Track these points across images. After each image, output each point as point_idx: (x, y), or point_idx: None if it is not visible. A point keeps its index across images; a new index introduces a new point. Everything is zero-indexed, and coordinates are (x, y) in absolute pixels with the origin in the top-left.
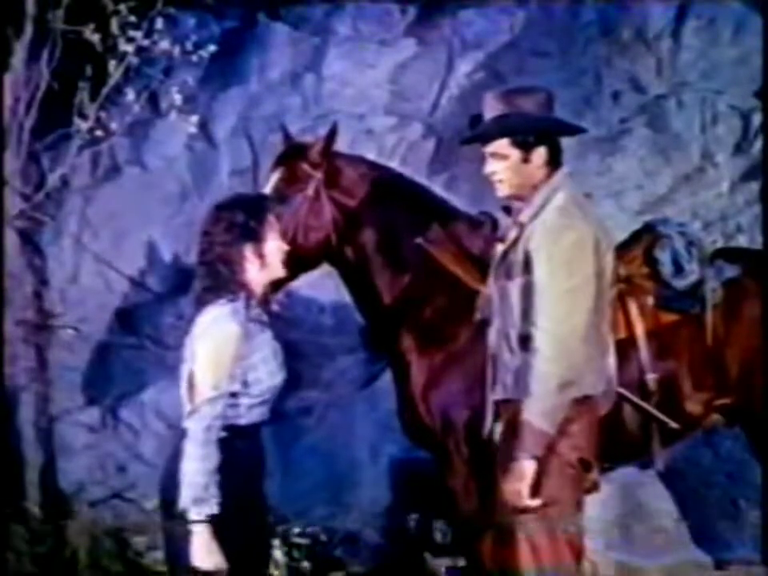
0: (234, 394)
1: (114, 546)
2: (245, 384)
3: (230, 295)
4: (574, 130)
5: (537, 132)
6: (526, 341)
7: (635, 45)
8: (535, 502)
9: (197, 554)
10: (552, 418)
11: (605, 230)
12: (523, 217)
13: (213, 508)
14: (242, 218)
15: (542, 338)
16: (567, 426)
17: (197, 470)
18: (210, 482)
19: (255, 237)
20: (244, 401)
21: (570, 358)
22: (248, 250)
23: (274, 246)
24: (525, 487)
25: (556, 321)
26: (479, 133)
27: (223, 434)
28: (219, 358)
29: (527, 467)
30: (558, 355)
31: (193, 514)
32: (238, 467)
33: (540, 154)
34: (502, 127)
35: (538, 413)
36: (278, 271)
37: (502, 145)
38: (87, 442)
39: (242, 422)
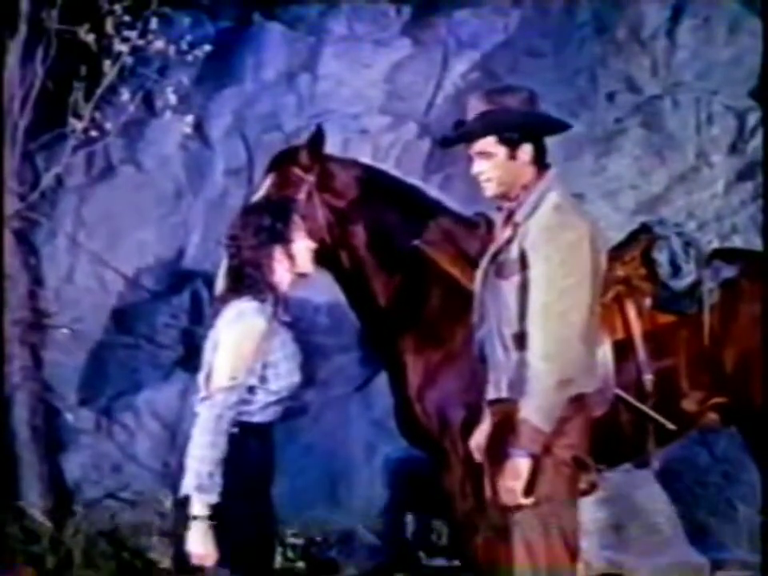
0: (250, 389)
1: (109, 546)
2: (262, 379)
3: (259, 296)
4: (560, 126)
5: (522, 127)
6: (522, 339)
7: (630, 44)
8: (529, 501)
9: (192, 540)
10: (549, 416)
11: (598, 229)
12: (518, 217)
13: (216, 497)
14: (269, 221)
15: (539, 337)
16: (561, 424)
17: (203, 458)
18: (215, 471)
19: (283, 238)
20: (260, 397)
21: (568, 356)
22: (277, 252)
23: (302, 246)
24: (520, 485)
25: (554, 319)
26: (465, 131)
27: (235, 430)
28: (240, 350)
29: (522, 465)
30: (556, 353)
31: (195, 502)
32: (249, 465)
33: (526, 151)
34: (487, 124)
35: (536, 410)
36: (308, 268)
37: (488, 143)
38: (82, 442)
39: (256, 419)
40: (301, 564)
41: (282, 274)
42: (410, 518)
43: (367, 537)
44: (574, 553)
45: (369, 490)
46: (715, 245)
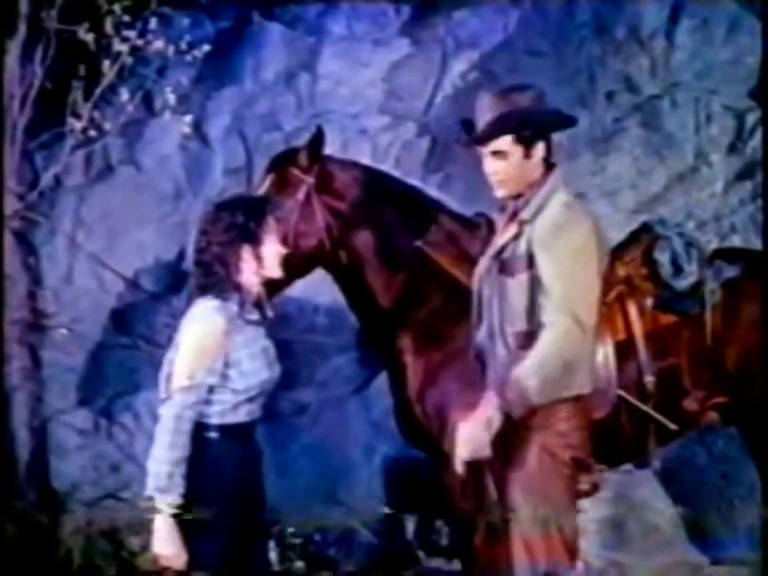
0: (212, 389)
1: (108, 546)
2: (224, 377)
3: (223, 294)
4: (569, 121)
5: (538, 125)
6: (526, 338)
7: (629, 45)
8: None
9: (157, 541)
10: (542, 387)
11: (600, 227)
12: (525, 214)
13: (176, 498)
14: (241, 219)
15: (548, 335)
16: (560, 424)
17: (162, 459)
18: (175, 472)
19: (253, 239)
20: (226, 397)
21: (575, 353)
22: (245, 252)
23: (272, 249)
24: (487, 437)
25: (563, 317)
26: (485, 132)
27: (214, 434)
28: (199, 350)
29: (496, 419)
30: (563, 348)
31: (157, 502)
32: (233, 467)
33: (539, 149)
34: (506, 124)
35: (531, 375)
36: (275, 272)
37: (504, 142)
38: (81, 442)
39: (230, 420)
40: (300, 563)
41: (248, 274)
42: (409, 518)
43: (366, 536)
44: (573, 553)
45: (367, 489)
46: (714, 244)
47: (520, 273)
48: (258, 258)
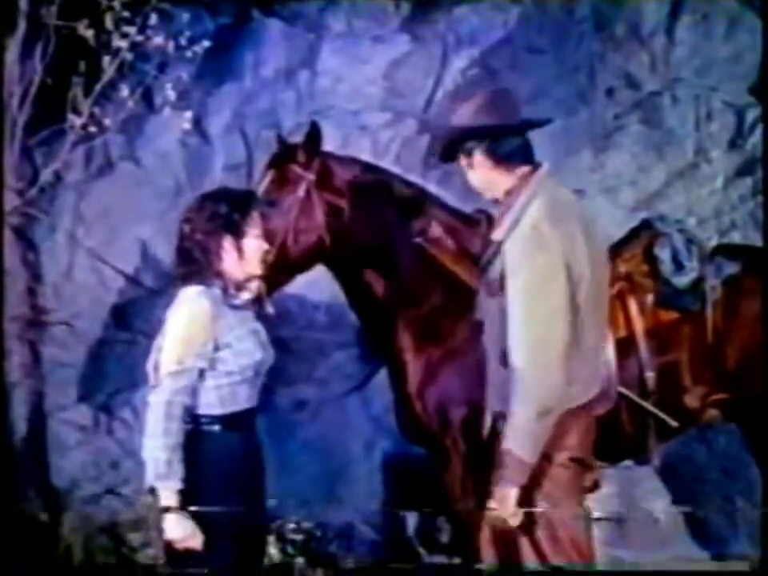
0: (204, 374)
1: (108, 542)
2: (215, 361)
3: (206, 282)
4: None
5: (470, 137)
6: (506, 357)
7: (629, 41)
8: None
9: (170, 528)
10: (532, 447)
11: (582, 237)
12: (497, 234)
13: (178, 483)
14: (225, 209)
15: (518, 365)
16: (561, 426)
17: (158, 446)
18: (172, 458)
19: (236, 230)
20: (223, 380)
21: (548, 384)
22: (227, 242)
23: (254, 243)
24: (509, 513)
25: (531, 347)
26: (439, 154)
27: (216, 427)
28: (186, 334)
29: (510, 494)
30: (535, 381)
31: (161, 491)
32: (235, 458)
33: (478, 159)
34: (447, 138)
35: (519, 444)
36: (255, 268)
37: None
38: (81, 438)
39: (229, 409)
40: (300, 559)
41: (231, 264)
42: (410, 515)
43: (366, 532)
44: (581, 550)
45: (367, 485)
46: (714, 241)
47: (495, 295)
48: (239, 250)
